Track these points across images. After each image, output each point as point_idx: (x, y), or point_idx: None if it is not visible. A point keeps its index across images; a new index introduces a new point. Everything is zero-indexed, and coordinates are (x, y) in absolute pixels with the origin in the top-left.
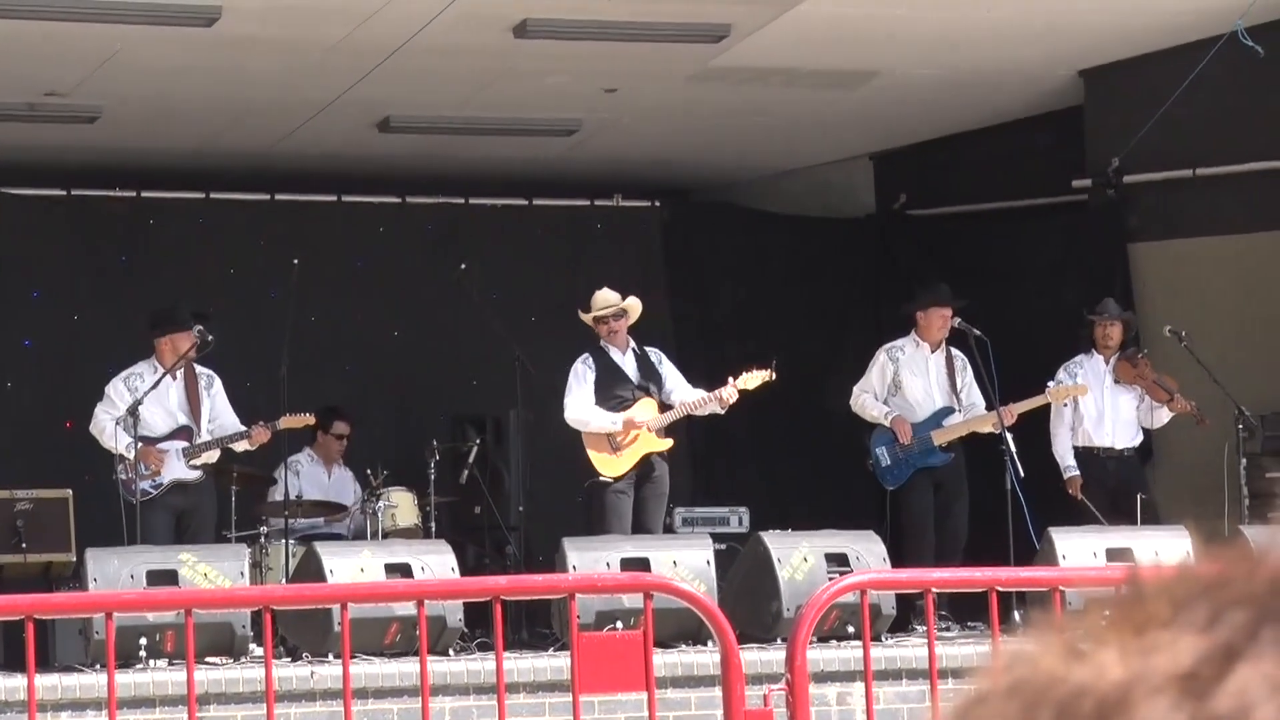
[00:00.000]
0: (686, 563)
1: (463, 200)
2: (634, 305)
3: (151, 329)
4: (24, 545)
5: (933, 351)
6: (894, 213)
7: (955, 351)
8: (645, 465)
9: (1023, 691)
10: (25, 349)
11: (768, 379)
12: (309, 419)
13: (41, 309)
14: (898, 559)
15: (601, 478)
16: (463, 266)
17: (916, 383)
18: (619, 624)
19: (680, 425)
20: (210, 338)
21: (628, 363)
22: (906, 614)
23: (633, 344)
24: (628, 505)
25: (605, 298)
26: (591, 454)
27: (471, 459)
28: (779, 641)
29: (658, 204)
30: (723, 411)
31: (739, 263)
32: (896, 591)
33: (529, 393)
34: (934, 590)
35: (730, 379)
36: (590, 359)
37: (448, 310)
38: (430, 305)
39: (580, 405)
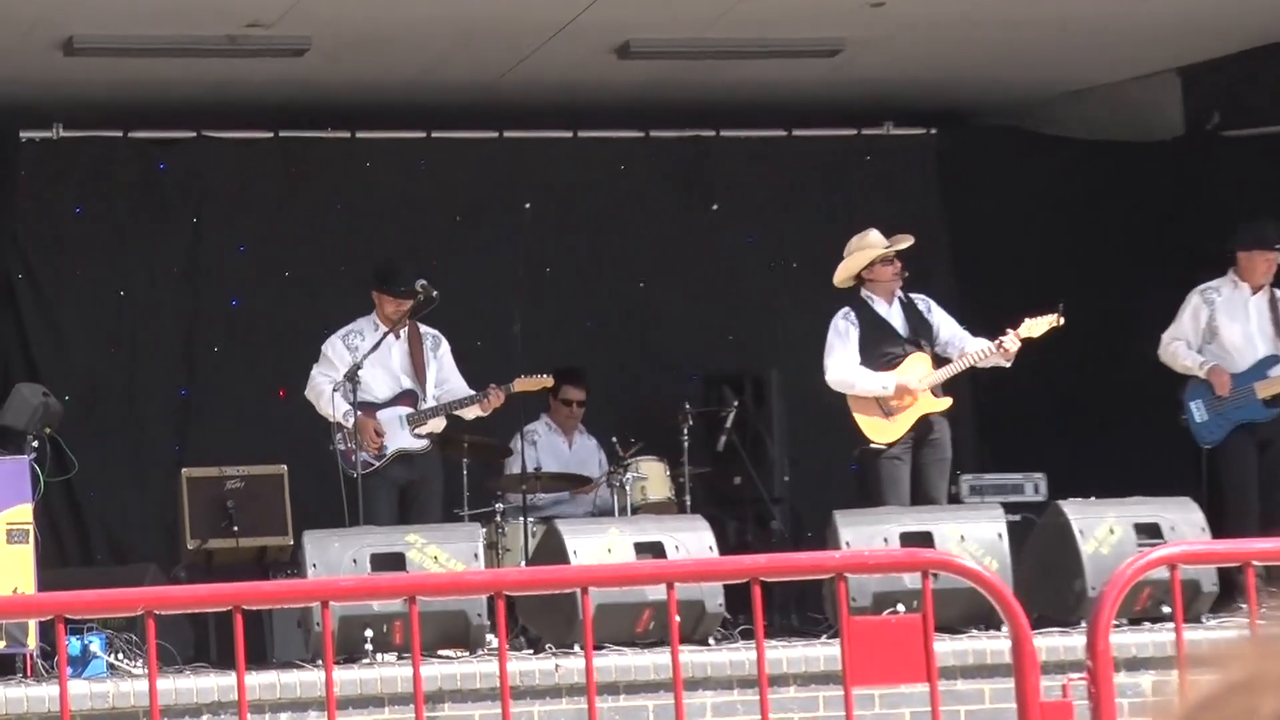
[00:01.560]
0: (975, 537)
1: (713, 133)
2: (905, 244)
3: (373, 282)
4: (235, 528)
5: (1254, 293)
6: (1206, 134)
7: None
8: (923, 427)
9: None
10: (232, 309)
11: (1054, 324)
12: (546, 381)
13: (248, 264)
14: (1219, 528)
15: (873, 445)
16: (714, 208)
17: (1235, 328)
18: (900, 607)
19: (964, 381)
20: (435, 293)
21: (894, 314)
22: (1231, 591)
23: (899, 293)
24: (905, 473)
25: (878, 238)
26: (860, 419)
27: (729, 424)
28: (1083, 625)
29: (933, 131)
30: (1008, 364)
31: (1026, 194)
32: (1217, 565)
33: (792, 348)
34: (1256, 563)
35: (1009, 329)
36: (851, 313)
37: (699, 257)
38: (679, 252)
39: (844, 366)
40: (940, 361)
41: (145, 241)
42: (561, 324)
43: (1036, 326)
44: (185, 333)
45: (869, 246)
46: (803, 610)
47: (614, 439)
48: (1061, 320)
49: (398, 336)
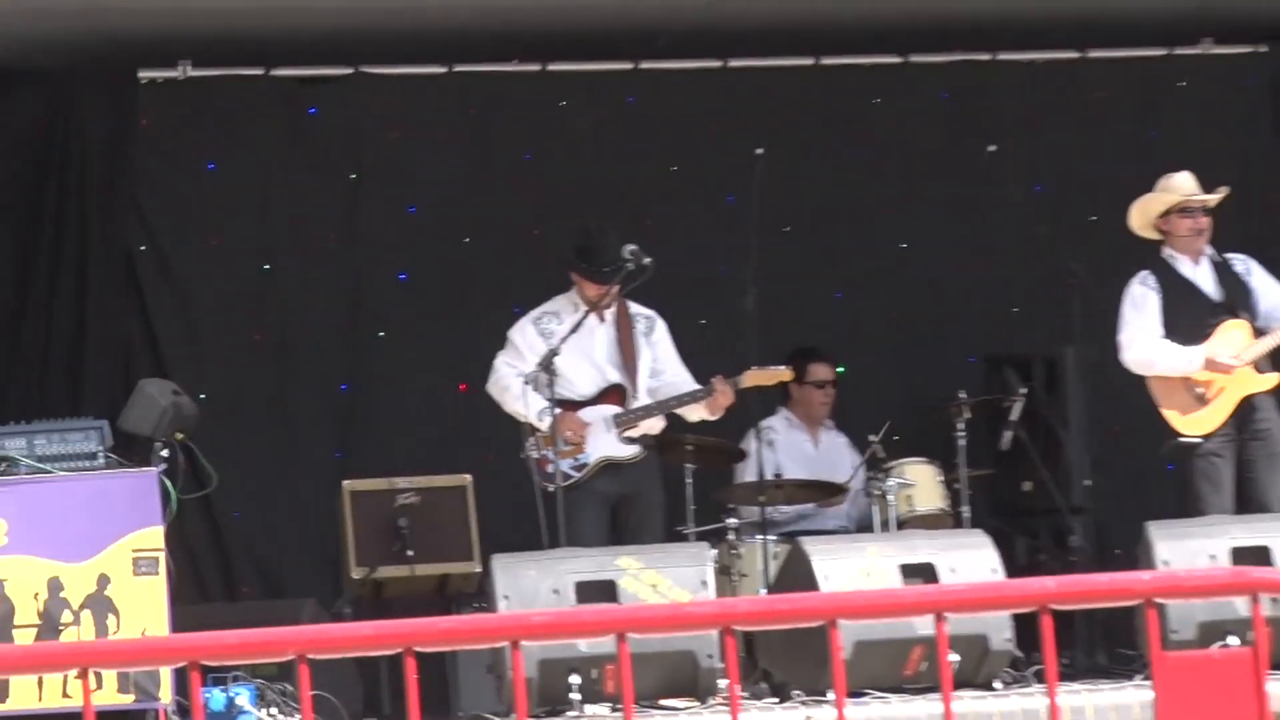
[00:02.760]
0: None
1: (988, 56)
2: (1215, 198)
3: (571, 260)
4: (410, 553)
5: None
6: None
7: None
8: (1244, 412)
9: None
10: (400, 285)
11: None
12: (784, 374)
13: (420, 230)
14: None
15: (1184, 438)
16: (991, 149)
17: None
18: (1233, 639)
19: None
20: (647, 261)
21: (1202, 276)
22: None
23: (1209, 251)
24: (1227, 472)
25: (1184, 183)
26: (1166, 409)
27: (1016, 416)
28: None
29: (1264, 49)
30: None
31: None
32: None
33: (1092, 322)
34: None
35: None
36: (1151, 277)
37: (974, 211)
38: (949, 204)
39: (1143, 341)
40: (1261, 331)
41: (294, 204)
42: (805, 296)
43: None
44: (345, 315)
45: (1169, 190)
46: (1111, 646)
47: (872, 437)
48: None
49: (602, 318)
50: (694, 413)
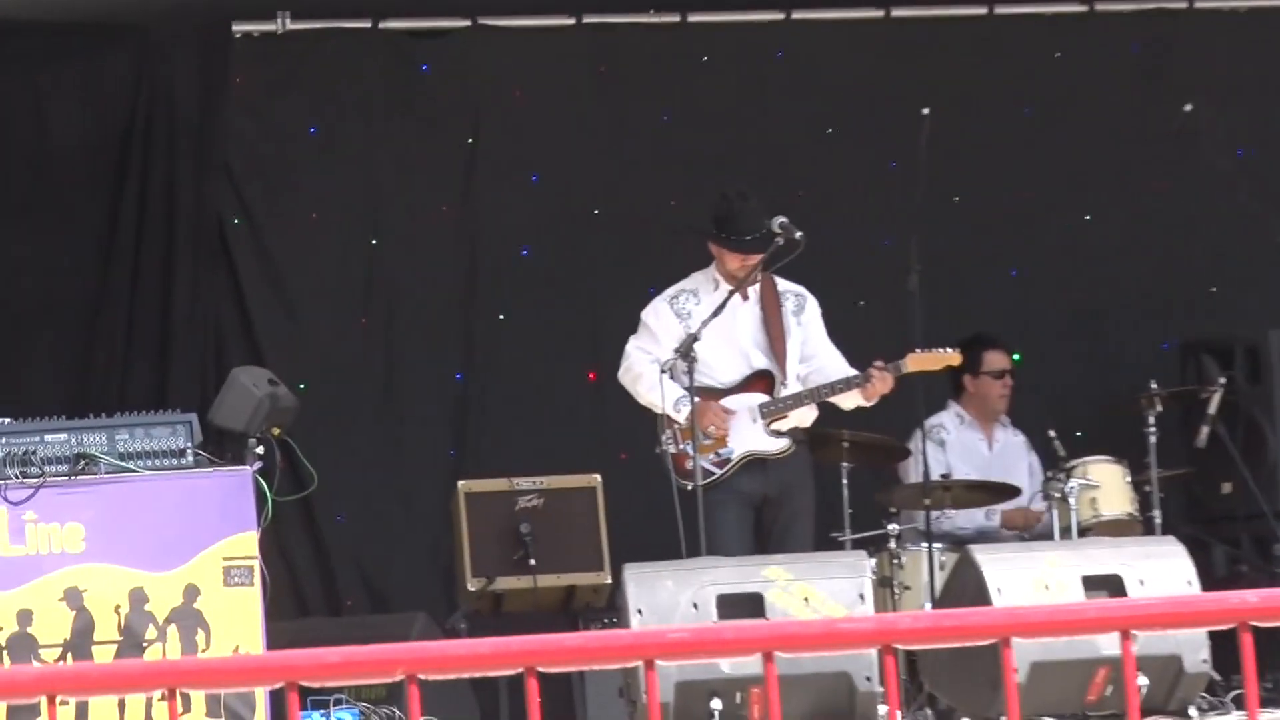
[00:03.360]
0: None
1: (1184, 3)
2: None
3: (710, 229)
4: (532, 561)
5: None
6: None
7: None
8: None
9: None
10: (522, 261)
11: None
12: (951, 357)
13: (543, 200)
14: None
15: None
16: (1186, 109)
17: None
18: None
19: None
20: (799, 235)
21: None
22: None
23: None
24: None
25: None
26: None
27: (1214, 409)
28: None
29: None
30: None
31: None
32: None
33: None
34: None
35: None
36: None
37: (1168, 178)
38: (1139, 171)
39: None
40: None
41: (404, 171)
42: (976, 274)
43: None
44: (460, 295)
45: None
46: None
47: (1052, 433)
48: None
49: (745, 297)
50: (848, 400)
